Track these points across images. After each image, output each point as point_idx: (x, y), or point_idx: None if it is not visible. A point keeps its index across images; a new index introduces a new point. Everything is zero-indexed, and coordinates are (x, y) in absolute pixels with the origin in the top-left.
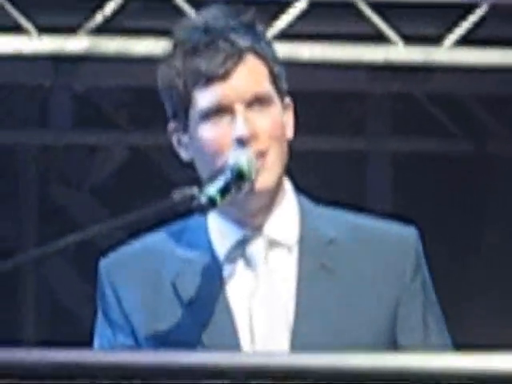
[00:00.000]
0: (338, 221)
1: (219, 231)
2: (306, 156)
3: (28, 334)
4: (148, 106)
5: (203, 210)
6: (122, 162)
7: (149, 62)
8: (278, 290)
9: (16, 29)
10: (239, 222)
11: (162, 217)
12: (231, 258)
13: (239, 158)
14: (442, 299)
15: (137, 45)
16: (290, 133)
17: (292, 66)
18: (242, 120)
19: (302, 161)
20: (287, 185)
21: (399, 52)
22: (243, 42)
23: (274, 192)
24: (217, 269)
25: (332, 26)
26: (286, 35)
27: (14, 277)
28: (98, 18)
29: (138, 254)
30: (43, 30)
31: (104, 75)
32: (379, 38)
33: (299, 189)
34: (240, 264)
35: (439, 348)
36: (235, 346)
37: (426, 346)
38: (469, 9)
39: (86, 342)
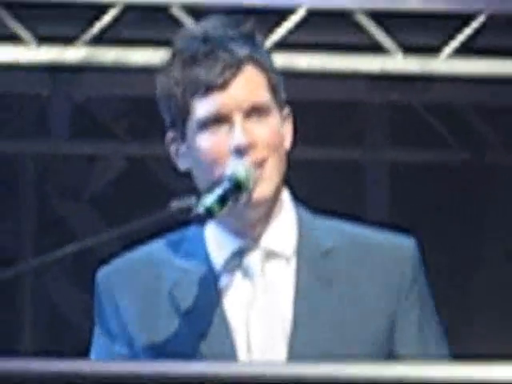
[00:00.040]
0: (336, 231)
1: (217, 241)
2: (303, 166)
3: (26, 343)
4: (146, 116)
5: (201, 220)
6: (119, 171)
7: (146, 71)
8: (275, 300)
9: (14, 38)
10: (237, 233)
11: (160, 227)
12: (228, 268)
13: (237, 167)
14: (441, 310)
15: (134, 55)
16: (288, 143)
17: (289, 75)
18: (240, 129)
19: (300, 171)
20: (285, 195)
21: (397, 62)
22: (242, 51)
23: (272, 202)
24: (214, 279)
25: (330, 36)
26: (283, 45)
27: (13, 287)
28: (96, 27)
29: (136, 264)
30: (41, 39)
31: (102, 85)
32: (377, 48)
33: (297, 199)
34: (237, 274)
35: (438, 359)
36: (232, 356)
37: (424, 356)
38: (467, 19)
39: (85, 352)
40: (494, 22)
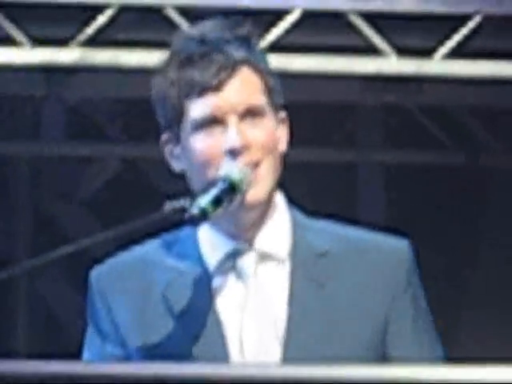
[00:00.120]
0: (329, 233)
1: (210, 243)
2: (297, 167)
3: (20, 345)
4: (140, 118)
5: (195, 221)
6: (113, 173)
7: (141, 73)
8: (268, 302)
9: (8, 40)
10: (230, 234)
11: (155, 228)
12: (222, 269)
13: (231, 169)
14: (436, 311)
15: (129, 56)
16: (283, 146)
17: (283, 77)
18: (234, 131)
19: (294, 172)
20: (280, 197)
21: (391, 63)
22: (238, 54)
23: (266, 204)
24: (207, 280)
25: (324, 38)
26: (278, 47)
27: (7, 288)
28: (90, 29)
29: (129, 265)
30: (35, 40)
31: (96, 86)
32: (372, 49)
33: (291, 201)
34: (230, 276)
35: (432, 361)
36: (225, 357)
37: (418, 358)
38: (461, 21)
39: (79, 354)
40: (488, 24)
